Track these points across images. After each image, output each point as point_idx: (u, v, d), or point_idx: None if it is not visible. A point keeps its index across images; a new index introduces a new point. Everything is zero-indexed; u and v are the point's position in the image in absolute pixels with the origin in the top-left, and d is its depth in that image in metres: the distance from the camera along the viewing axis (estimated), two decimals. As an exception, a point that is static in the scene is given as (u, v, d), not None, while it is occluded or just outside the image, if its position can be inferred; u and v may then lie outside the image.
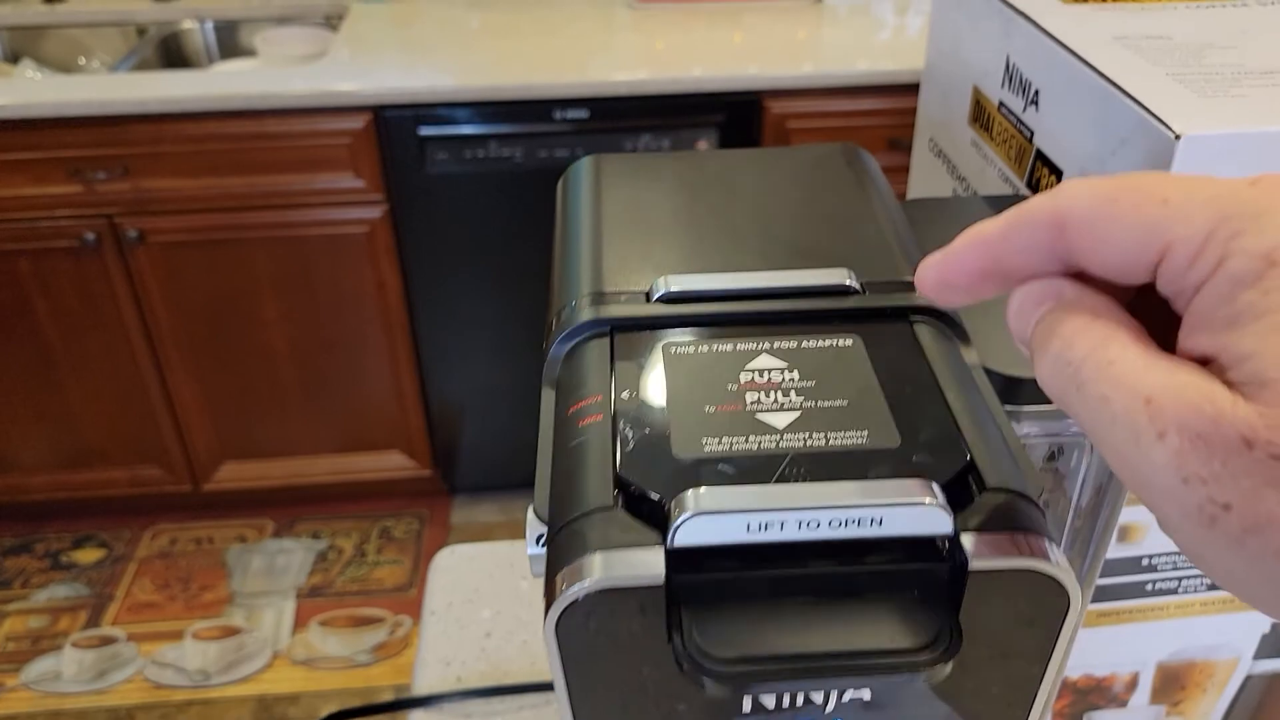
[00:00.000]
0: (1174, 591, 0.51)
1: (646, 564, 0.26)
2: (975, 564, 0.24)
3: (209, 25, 1.87)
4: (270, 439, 1.83)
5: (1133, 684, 0.54)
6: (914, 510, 0.24)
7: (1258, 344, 0.19)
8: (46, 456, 1.80)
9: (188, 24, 1.86)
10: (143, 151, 1.53)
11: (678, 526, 0.25)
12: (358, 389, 1.79)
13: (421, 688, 0.65)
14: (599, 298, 0.35)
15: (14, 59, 1.82)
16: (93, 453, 1.81)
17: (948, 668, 0.25)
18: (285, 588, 1.79)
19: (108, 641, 1.70)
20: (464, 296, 1.70)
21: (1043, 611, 0.26)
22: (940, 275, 0.25)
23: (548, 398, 0.34)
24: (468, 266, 1.67)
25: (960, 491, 0.26)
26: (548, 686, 0.64)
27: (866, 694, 0.29)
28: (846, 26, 1.70)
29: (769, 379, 0.30)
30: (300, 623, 1.72)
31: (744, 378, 0.30)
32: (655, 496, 0.26)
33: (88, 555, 1.87)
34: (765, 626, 0.26)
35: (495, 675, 0.65)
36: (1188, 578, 0.50)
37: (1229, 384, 0.20)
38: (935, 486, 0.24)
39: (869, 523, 0.24)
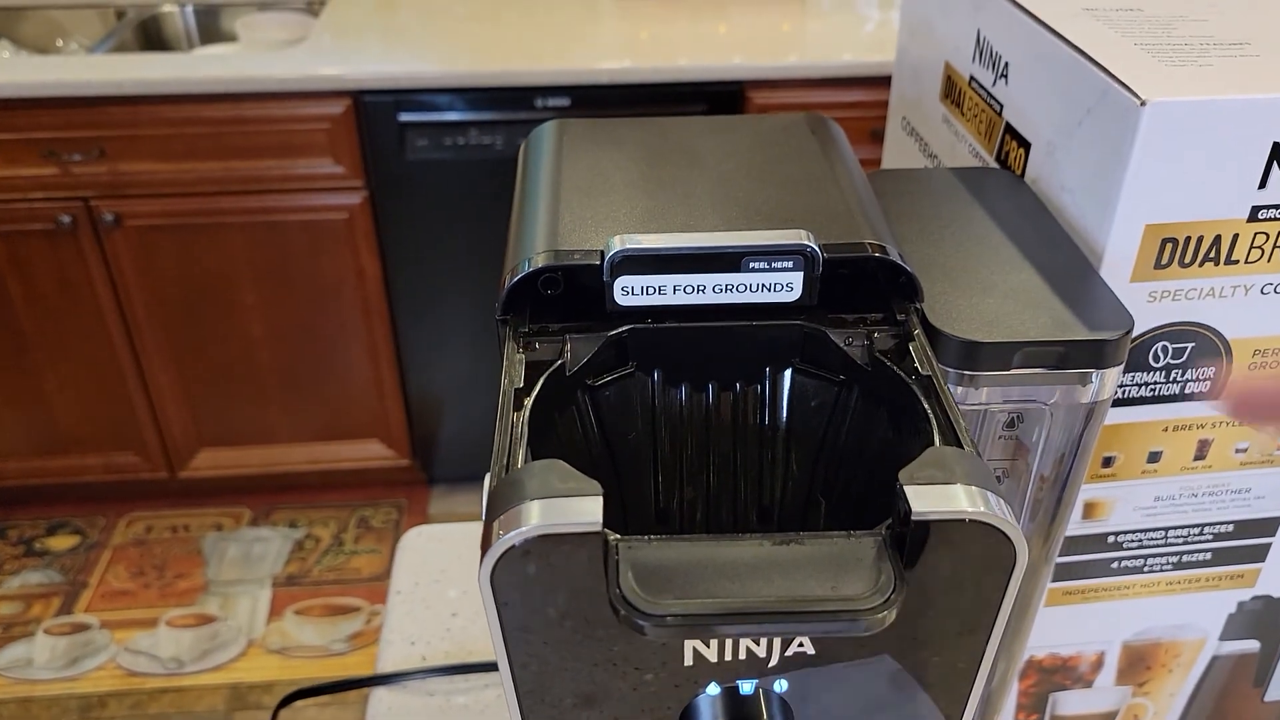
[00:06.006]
0: (1140, 570, 0.50)
1: (587, 510, 0.25)
2: (919, 513, 0.24)
3: (189, 9, 1.85)
4: (248, 426, 1.81)
5: (1098, 664, 0.54)
6: None
7: None
8: (20, 442, 1.78)
9: (168, 7, 1.84)
10: (120, 134, 1.51)
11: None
12: (336, 377, 1.77)
13: (385, 666, 0.64)
14: (555, 255, 0.35)
15: (-9, 40, 1.80)
16: (67, 439, 1.79)
17: (891, 615, 0.24)
18: (261, 576, 1.78)
19: (80, 629, 1.68)
20: (444, 285, 1.68)
21: (989, 565, 0.25)
22: None
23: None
24: (448, 254, 1.65)
25: None
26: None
27: (809, 648, 0.29)
28: (830, 19, 1.70)
29: None
30: (275, 611, 1.71)
31: None
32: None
33: (62, 542, 1.85)
34: (701, 572, 0.25)
35: (460, 655, 0.64)
36: (1153, 556, 0.50)
37: None
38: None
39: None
